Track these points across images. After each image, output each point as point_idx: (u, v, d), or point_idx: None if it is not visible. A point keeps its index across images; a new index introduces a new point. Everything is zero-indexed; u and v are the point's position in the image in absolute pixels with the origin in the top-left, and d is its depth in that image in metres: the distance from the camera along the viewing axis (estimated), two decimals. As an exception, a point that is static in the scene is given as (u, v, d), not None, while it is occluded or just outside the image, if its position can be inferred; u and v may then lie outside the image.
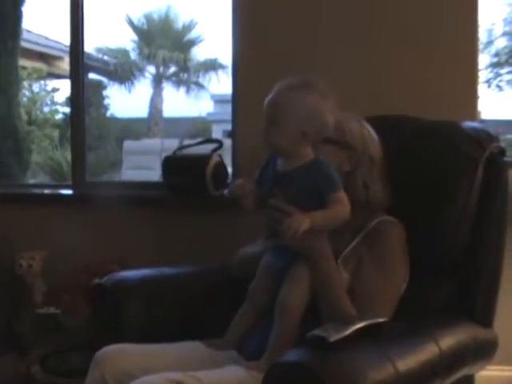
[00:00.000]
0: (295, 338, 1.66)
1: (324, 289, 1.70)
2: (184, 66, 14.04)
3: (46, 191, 3.49)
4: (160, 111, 13.63)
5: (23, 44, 7.51)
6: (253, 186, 1.77)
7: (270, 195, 1.73)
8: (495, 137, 1.99)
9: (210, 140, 3.06)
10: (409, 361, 1.49)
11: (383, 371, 1.41)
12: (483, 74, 9.79)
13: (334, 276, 1.72)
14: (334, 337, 1.40)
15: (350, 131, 1.86)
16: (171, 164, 2.94)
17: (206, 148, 2.89)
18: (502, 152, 1.97)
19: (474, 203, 1.88)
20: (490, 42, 10.03)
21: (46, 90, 10.18)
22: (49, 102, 10.20)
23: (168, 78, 14.12)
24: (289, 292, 1.70)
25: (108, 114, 12.05)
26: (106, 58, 13.39)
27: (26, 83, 9.34)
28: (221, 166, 2.84)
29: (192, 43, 14.21)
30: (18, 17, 6.94)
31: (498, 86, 10.15)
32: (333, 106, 1.71)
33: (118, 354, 1.77)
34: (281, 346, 1.63)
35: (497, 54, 10.17)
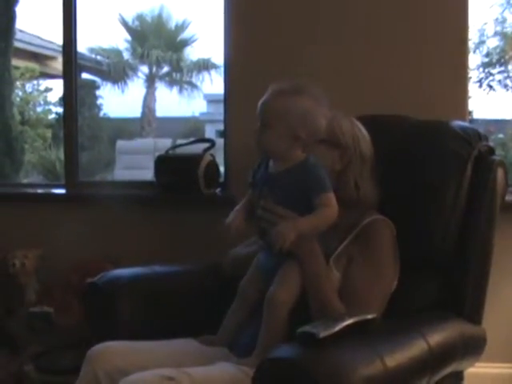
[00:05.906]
0: (284, 335, 1.67)
1: (313, 287, 1.72)
2: (177, 66, 14.02)
3: (39, 191, 3.49)
4: (153, 111, 13.60)
5: (16, 44, 7.51)
6: (245, 218, 1.80)
7: (261, 196, 1.75)
8: (484, 136, 1.99)
9: (202, 140, 3.07)
10: (398, 357, 1.50)
11: (372, 367, 1.42)
12: (475, 74, 9.85)
13: (322, 274, 1.73)
14: (324, 333, 1.41)
15: (341, 130, 1.87)
16: (164, 163, 2.95)
17: (199, 147, 2.90)
18: (491, 150, 1.98)
19: (463, 201, 1.89)
20: (481, 42, 10.08)
21: (38, 90, 10.18)
22: (42, 102, 10.20)
23: (161, 78, 14.10)
24: (277, 289, 1.71)
25: (101, 113, 12.03)
26: (99, 57, 13.36)
27: (18, 83, 9.33)
28: (213, 165, 2.85)
29: (185, 43, 14.19)
30: (10, 17, 6.94)
31: (490, 86, 10.19)
32: (326, 110, 1.73)
33: (111, 351, 1.77)
34: (270, 343, 1.64)
35: (488, 54, 10.21)
